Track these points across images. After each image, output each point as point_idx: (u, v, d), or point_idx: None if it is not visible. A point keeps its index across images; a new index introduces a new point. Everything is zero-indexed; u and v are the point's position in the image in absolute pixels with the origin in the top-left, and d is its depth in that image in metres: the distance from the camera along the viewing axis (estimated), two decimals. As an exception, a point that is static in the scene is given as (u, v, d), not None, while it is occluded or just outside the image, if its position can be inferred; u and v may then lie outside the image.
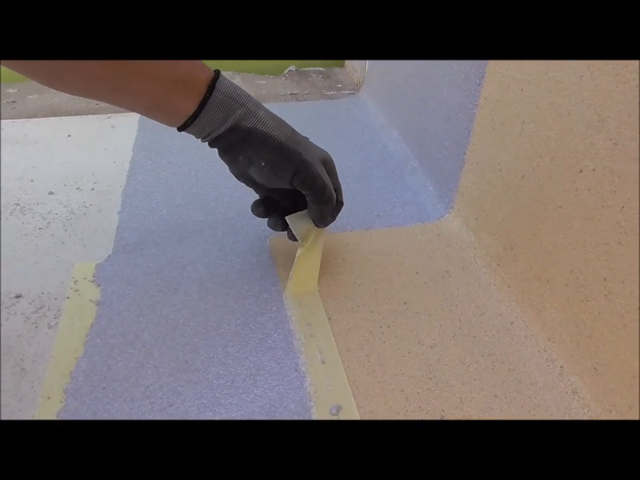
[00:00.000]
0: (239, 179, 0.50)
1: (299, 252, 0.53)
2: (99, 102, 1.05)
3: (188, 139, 0.88)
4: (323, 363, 0.48)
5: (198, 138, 0.46)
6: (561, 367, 0.47)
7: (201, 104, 0.42)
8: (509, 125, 0.54)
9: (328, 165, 0.49)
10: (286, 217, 0.51)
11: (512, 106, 0.53)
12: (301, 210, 0.52)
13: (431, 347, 0.50)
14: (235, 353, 0.49)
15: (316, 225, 0.51)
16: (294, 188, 0.48)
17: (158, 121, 0.44)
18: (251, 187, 0.52)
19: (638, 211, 0.37)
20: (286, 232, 0.55)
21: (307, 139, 0.49)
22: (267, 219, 0.54)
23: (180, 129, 0.45)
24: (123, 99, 0.41)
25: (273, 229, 0.54)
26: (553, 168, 0.47)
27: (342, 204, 0.52)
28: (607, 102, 0.40)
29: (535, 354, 0.49)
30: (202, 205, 0.70)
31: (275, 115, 0.47)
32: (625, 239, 0.39)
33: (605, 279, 0.41)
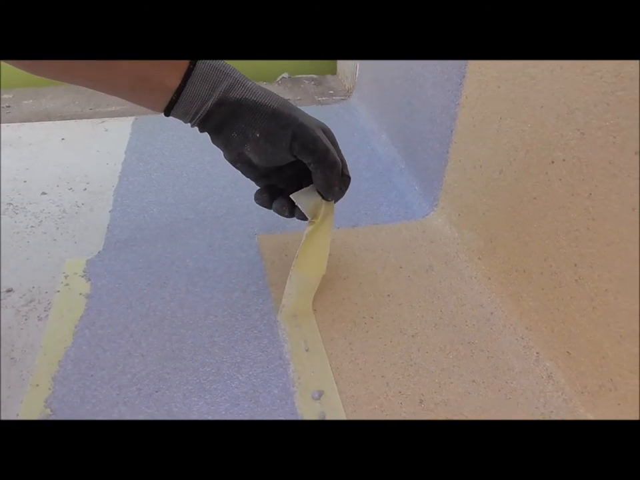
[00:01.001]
0: (235, 165, 0.47)
1: (307, 229, 0.49)
2: (93, 107, 1.07)
3: (179, 141, 0.90)
4: (307, 350, 0.49)
5: (186, 122, 0.44)
6: (537, 353, 0.48)
7: (185, 76, 0.40)
8: (487, 121, 0.56)
9: (328, 133, 0.46)
10: (291, 195, 0.47)
11: (490, 103, 0.55)
12: None
13: (412, 336, 0.51)
14: (221, 342, 0.50)
15: (324, 198, 0.48)
16: (295, 159, 0.44)
17: (143, 104, 0.43)
18: (250, 176, 0.49)
19: (604, 198, 0.39)
20: (291, 218, 0.51)
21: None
22: (272, 208, 0.50)
23: (167, 111, 0.43)
24: (106, 78, 0.40)
25: (280, 214, 0.49)
26: (527, 161, 0.49)
27: (349, 178, 0.48)
28: (575, 94, 0.41)
29: (513, 342, 0.50)
30: (192, 204, 0.72)
31: (265, 88, 0.44)
32: (593, 224, 0.40)
33: (575, 265, 0.43)
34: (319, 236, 0.49)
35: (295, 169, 0.47)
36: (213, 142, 0.45)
